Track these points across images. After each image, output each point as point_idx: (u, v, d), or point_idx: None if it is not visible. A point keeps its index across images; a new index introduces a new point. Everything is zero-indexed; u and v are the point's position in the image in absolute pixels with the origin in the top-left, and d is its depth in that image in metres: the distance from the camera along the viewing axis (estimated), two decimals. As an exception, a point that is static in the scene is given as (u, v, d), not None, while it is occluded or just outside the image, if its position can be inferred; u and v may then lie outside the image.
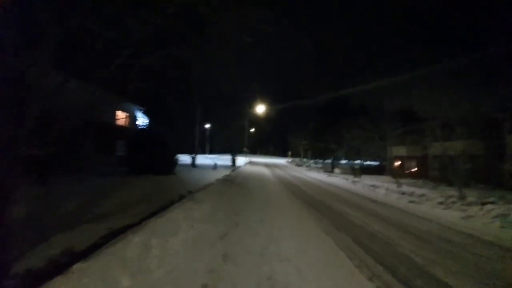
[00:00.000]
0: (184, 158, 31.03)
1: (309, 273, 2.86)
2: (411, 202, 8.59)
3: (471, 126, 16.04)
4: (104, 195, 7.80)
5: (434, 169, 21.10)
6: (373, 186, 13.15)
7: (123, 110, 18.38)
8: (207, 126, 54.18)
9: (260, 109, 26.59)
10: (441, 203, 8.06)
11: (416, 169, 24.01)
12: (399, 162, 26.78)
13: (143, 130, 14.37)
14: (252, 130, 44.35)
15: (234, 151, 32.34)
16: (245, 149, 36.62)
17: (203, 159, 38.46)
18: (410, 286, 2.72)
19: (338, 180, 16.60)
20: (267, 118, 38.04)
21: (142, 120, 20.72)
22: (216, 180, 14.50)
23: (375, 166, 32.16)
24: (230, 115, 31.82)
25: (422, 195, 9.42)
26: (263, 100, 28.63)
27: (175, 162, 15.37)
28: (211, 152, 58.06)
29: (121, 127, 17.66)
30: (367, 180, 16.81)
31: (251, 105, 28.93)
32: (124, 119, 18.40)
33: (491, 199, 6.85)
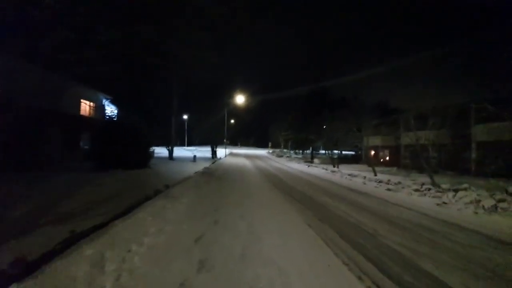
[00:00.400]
0: (161, 151, 29.65)
1: (296, 276, 2.56)
2: (388, 190, 8.80)
3: (441, 117, 17.06)
4: (67, 193, 6.93)
5: (406, 158, 22.36)
6: (351, 175, 13.46)
7: (88, 99, 16.67)
8: (185, 117, 52.19)
9: (241, 99, 25.91)
10: (416, 190, 8.34)
11: (389, 158, 25.35)
12: (374, 152, 28.09)
13: (111, 120, 13.10)
14: (232, 121, 43.47)
15: (214, 143, 31.53)
16: (225, 140, 35.89)
17: (182, 152, 37.07)
18: (403, 285, 2.54)
19: (318, 170, 16.81)
20: (247, 109, 37.37)
21: (110, 110, 19.03)
22: (195, 173, 13.85)
23: (352, 156, 33.52)
24: (210, 105, 30.63)
25: (398, 183, 9.74)
26: (244, 90, 27.93)
27: (149, 155, 14.39)
28: (190, 144, 56.26)
29: (86, 118, 16.03)
30: (345, 170, 17.25)
31: (231, 95, 28.09)
32: (89, 109, 16.71)
33: (464, 186, 7.16)
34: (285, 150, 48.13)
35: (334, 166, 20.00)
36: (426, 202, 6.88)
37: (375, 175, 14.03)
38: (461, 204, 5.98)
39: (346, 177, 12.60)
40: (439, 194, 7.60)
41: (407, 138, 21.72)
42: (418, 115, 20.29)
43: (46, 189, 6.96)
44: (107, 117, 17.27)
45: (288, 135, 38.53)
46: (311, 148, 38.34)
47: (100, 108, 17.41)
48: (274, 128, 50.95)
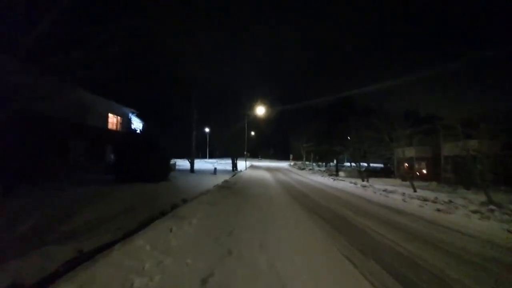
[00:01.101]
0: (184, 163, 29.98)
1: None
2: (438, 210, 7.34)
3: (488, 124, 14.88)
4: (78, 208, 6.65)
5: (447, 171, 19.82)
6: (386, 191, 11.91)
7: (115, 113, 17.34)
8: (207, 130, 53.23)
9: (261, 110, 25.49)
10: (475, 211, 6.81)
11: (426, 171, 22.72)
12: (408, 164, 25.52)
13: (132, 133, 13.22)
14: (253, 133, 43.21)
15: (235, 155, 31.21)
16: (245, 153, 35.47)
17: (202, 164, 37.33)
18: None
19: (346, 184, 15.34)
20: (268, 120, 36.94)
21: (136, 124, 19.68)
22: (214, 186, 13.32)
23: (380, 169, 30.88)
24: (230, 118, 30.76)
25: (448, 202, 8.17)
26: (264, 102, 27.60)
27: (169, 167, 14.23)
28: (211, 156, 56.92)
29: (112, 131, 16.59)
30: (377, 184, 15.55)
31: (251, 107, 27.88)
32: (116, 123, 17.35)
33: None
34: (307, 163, 46.31)
35: (363, 180, 18.27)
36: (495, 229, 5.43)
37: (415, 191, 12.31)
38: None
39: (380, 193, 11.12)
40: (506, 217, 6.06)
41: (449, 148, 19.41)
42: (463, 122, 18.00)
43: (55, 203, 6.76)
44: (133, 130, 17.77)
45: (310, 147, 37.00)
46: (335, 161, 36.29)
47: (126, 122, 18.03)
48: (295, 139, 49.61)
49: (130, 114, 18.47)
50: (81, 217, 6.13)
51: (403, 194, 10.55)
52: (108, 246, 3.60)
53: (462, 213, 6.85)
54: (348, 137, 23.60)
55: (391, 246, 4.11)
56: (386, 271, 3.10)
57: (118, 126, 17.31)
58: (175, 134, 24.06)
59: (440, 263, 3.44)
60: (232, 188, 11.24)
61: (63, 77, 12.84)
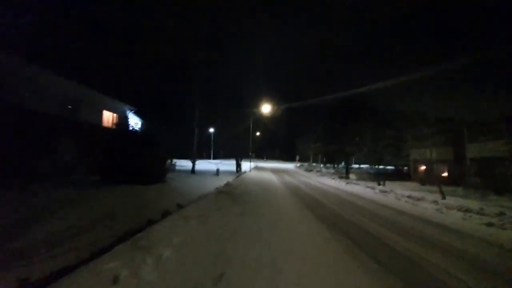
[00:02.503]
0: (185, 164, 28.84)
1: None
2: (488, 225, 5.79)
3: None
4: (45, 216, 5.43)
5: (471, 175, 17.94)
6: (411, 197, 10.34)
7: (110, 110, 16.25)
8: (211, 130, 52.09)
9: (266, 109, 24.10)
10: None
11: (447, 174, 20.83)
12: (425, 167, 23.64)
13: (124, 130, 12.04)
14: (258, 134, 41.85)
15: (239, 156, 29.91)
16: (250, 153, 34.11)
17: (206, 165, 36.08)
18: None
19: (361, 188, 13.78)
20: (273, 120, 35.57)
21: (135, 122, 18.57)
22: (216, 189, 12.00)
23: (392, 171, 28.93)
24: (235, 117, 29.53)
25: (500, 214, 6.59)
26: (270, 100, 26.22)
27: (165, 168, 12.98)
28: (216, 157, 55.79)
29: (107, 129, 15.47)
30: (396, 189, 13.93)
31: (257, 105, 26.53)
32: (112, 120, 16.24)
33: None
34: (314, 164, 44.58)
35: (379, 184, 16.62)
36: None
37: (444, 198, 10.68)
38: None
39: (406, 201, 9.57)
40: None
41: (476, 149, 17.57)
42: (484, 122, 16.25)
43: (23, 209, 5.54)
44: (129, 128, 16.65)
45: (318, 147, 35.35)
46: (343, 162, 34.45)
47: (123, 120, 16.91)
48: (302, 140, 48.03)
49: (127, 111, 17.36)
50: (43, 228, 4.88)
51: (435, 202, 8.97)
52: (62, 273, 2.30)
53: (527, 231, 5.30)
54: (358, 138, 22.00)
55: (444, 280, 2.69)
56: None
57: (113, 124, 16.17)
58: (176, 134, 22.96)
59: None
60: (233, 193, 9.87)
61: (48, 65, 11.85)
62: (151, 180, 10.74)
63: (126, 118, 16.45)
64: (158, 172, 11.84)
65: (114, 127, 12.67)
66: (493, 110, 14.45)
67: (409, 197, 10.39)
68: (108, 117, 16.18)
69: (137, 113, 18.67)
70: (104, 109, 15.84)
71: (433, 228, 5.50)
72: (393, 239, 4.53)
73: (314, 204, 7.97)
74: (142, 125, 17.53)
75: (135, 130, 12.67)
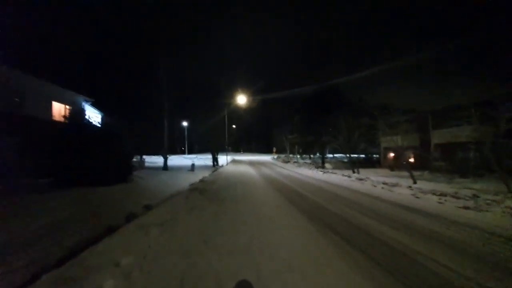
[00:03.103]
0: (157, 160, 26.99)
1: None
2: (465, 208, 5.88)
3: (479, 110, 14.24)
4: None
5: (437, 159, 19.30)
6: (386, 184, 10.56)
7: (61, 101, 14.13)
8: (185, 123, 49.66)
9: (242, 99, 23.28)
10: (517, 209, 5.41)
11: (414, 160, 22.25)
12: (393, 154, 25.02)
13: (76, 124, 10.44)
14: (234, 126, 40.91)
15: (215, 150, 28.84)
16: (227, 146, 33.16)
17: (180, 160, 34.37)
18: None
19: (339, 178, 13.88)
20: (249, 111, 34.83)
21: (95, 115, 16.49)
22: (191, 185, 11.09)
23: (364, 159, 30.29)
24: (209, 109, 28.21)
25: (474, 197, 6.79)
26: (245, 91, 25.39)
27: (130, 166, 11.66)
28: (190, 152, 53.69)
29: (57, 123, 13.41)
30: (371, 176, 14.32)
31: (232, 96, 25.53)
32: (64, 113, 14.13)
33: None
34: (291, 155, 45.11)
35: (353, 172, 17.04)
36: None
37: (415, 182, 11.11)
38: None
39: (382, 187, 9.68)
40: None
41: (439, 136, 18.81)
42: (445, 109, 17.32)
43: None
44: (85, 121, 14.69)
45: (295, 138, 35.59)
46: (319, 153, 35.22)
47: (78, 112, 14.83)
48: (278, 132, 48.15)
49: (83, 103, 15.30)
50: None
51: (409, 187, 9.18)
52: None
53: (500, 211, 5.43)
54: (333, 127, 22.37)
55: (439, 273, 2.39)
56: None
57: (65, 117, 14.13)
58: (145, 128, 21.14)
59: None
60: (209, 189, 9.10)
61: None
62: (113, 180, 9.48)
63: (82, 111, 14.43)
64: (123, 171, 10.54)
65: (65, 120, 10.88)
66: (460, 97, 15.38)
67: (384, 183, 10.58)
68: (60, 110, 14.05)
69: (96, 106, 16.60)
70: (53, 100, 13.70)
71: (413, 214, 5.39)
72: (377, 229, 4.24)
73: (295, 196, 7.56)
74: (102, 118, 15.62)
75: (91, 123, 11.06)
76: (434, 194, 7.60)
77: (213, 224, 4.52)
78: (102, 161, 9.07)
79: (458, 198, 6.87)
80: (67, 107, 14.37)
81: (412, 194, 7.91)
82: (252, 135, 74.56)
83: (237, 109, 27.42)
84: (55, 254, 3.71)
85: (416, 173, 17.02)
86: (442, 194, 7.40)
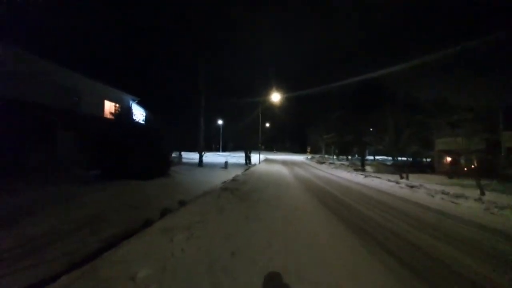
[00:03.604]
0: (193, 156, 28.23)
1: None
2: None
3: None
4: (21, 218, 4.66)
5: (507, 166, 16.04)
6: (445, 193, 8.96)
7: (112, 100, 15.51)
8: (220, 122, 51.17)
9: (276, 97, 22.73)
10: None
11: (476, 166, 18.89)
12: (450, 158, 21.68)
13: (121, 122, 11.20)
14: (268, 125, 40.55)
15: (248, 148, 28.91)
16: (260, 145, 33.02)
17: (214, 157, 35.45)
18: None
19: (384, 183, 12.41)
20: (284, 109, 34.04)
21: (140, 113, 17.83)
22: (223, 182, 11.10)
23: (412, 163, 26.90)
24: (244, 109, 28.31)
25: None
26: (280, 89, 24.76)
27: (169, 161, 12.14)
28: (225, 149, 55.23)
29: (109, 120, 14.77)
30: (424, 183, 12.46)
31: (267, 94, 25.17)
32: (114, 111, 15.52)
33: None
34: (326, 156, 42.92)
35: (401, 177, 15.12)
36: None
37: (483, 194, 9.22)
38: None
39: (441, 197, 8.20)
40: None
41: (507, 139, 15.61)
42: None
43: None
44: (133, 119, 15.91)
45: (331, 138, 33.61)
46: (356, 154, 32.56)
47: (125, 110, 16.17)
48: (313, 131, 46.21)
49: (130, 102, 16.59)
50: (10, 232, 4.10)
51: (479, 200, 7.56)
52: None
53: None
54: (378, 126, 20.25)
55: None
56: None
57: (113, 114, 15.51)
58: (183, 125, 22.16)
59: None
60: (241, 189, 8.85)
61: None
62: (153, 175, 9.93)
63: (130, 109, 15.66)
64: (162, 166, 11.01)
65: (112, 117, 11.83)
66: None
67: (443, 193, 8.99)
68: (110, 108, 15.45)
69: (142, 104, 17.89)
70: (105, 100, 15.12)
71: (495, 237, 4.23)
72: (457, 259, 3.32)
73: (335, 204, 6.79)
74: (146, 116, 16.75)
75: (135, 121, 11.80)
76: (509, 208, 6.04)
77: (244, 230, 4.15)
78: (144, 156, 9.53)
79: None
80: (117, 105, 15.75)
81: (485, 209, 6.44)
82: (286, 134, 73.33)
83: (271, 107, 26.94)
84: (90, 246, 3.78)
85: (482, 182, 14.38)
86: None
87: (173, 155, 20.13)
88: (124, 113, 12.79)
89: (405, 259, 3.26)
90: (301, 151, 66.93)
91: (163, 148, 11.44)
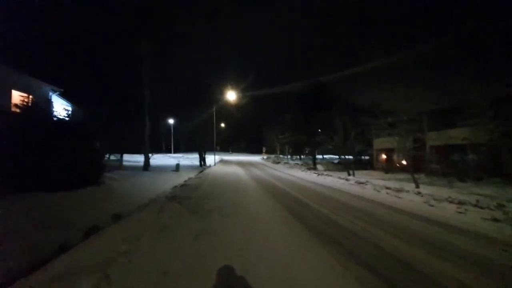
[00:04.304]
0: (139, 159, 25.07)
1: None
2: (495, 221, 5.00)
3: (475, 111, 13.84)
4: None
5: (431, 162, 18.93)
6: (388, 188, 9.72)
7: (24, 90, 12.23)
8: (171, 121, 47.38)
9: (231, 96, 21.99)
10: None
11: (405, 162, 21.91)
12: (386, 156, 24.65)
13: (32, 116, 8.80)
14: (223, 125, 39.42)
15: (203, 149, 27.31)
16: (215, 146, 31.68)
17: (165, 159, 32.44)
18: None
19: (335, 180, 12.97)
20: (239, 110, 33.47)
21: (63, 108, 14.61)
22: (174, 187, 9.76)
23: (355, 161, 29.87)
24: (197, 106, 26.54)
25: (500, 206, 5.96)
26: (234, 88, 24.09)
27: (101, 165, 10.06)
28: (177, 150, 51.50)
29: (19, 115, 11.55)
30: (369, 179, 13.54)
31: (221, 92, 24.14)
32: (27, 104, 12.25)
33: None
34: (281, 156, 44.24)
35: (349, 174, 16.26)
36: None
37: (417, 187, 10.37)
38: None
39: (386, 192, 8.80)
40: None
41: (435, 137, 18.37)
42: (440, 111, 16.99)
43: None
44: (54, 115, 12.87)
45: (285, 138, 34.66)
46: (307, 153, 34.34)
47: (44, 103, 12.96)
48: (269, 131, 47.12)
49: (50, 93, 13.43)
50: None
51: (419, 193, 8.33)
52: None
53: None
54: (324, 127, 21.59)
55: None
56: None
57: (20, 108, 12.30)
58: (127, 124, 19.29)
59: None
60: (192, 196, 7.78)
61: None
62: (78, 183, 7.93)
63: (49, 102, 12.60)
64: (90, 172, 8.97)
65: (18, 111, 9.15)
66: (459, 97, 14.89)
67: (387, 188, 9.73)
68: (22, 101, 12.16)
69: (66, 97, 14.71)
70: (13, 89, 11.81)
71: (438, 229, 4.45)
72: (409, 253, 3.16)
73: (295, 206, 6.42)
74: (72, 111, 13.80)
75: (56, 116, 9.43)
76: (451, 202, 6.73)
77: (188, 260, 3.20)
78: (65, 161, 7.52)
79: (480, 207, 6.01)
80: (30, 97, 12.48)
81: (424, 202, 7.02)
82: (242, 135, 73.26)
83: (227, 106, 26.05)
84: None
85: (410, 176, 16.49)
86: (461, 203, 6.54)
87: (112, 157, 17.30)
88: (40, 106, 10.17)
89: (368, 260, 2.97)
90: (257, 151, 67.77)
91: (94, 150, 9.40)
